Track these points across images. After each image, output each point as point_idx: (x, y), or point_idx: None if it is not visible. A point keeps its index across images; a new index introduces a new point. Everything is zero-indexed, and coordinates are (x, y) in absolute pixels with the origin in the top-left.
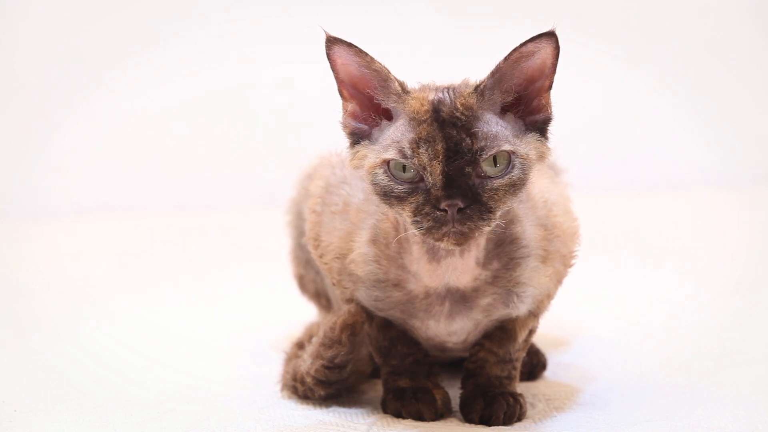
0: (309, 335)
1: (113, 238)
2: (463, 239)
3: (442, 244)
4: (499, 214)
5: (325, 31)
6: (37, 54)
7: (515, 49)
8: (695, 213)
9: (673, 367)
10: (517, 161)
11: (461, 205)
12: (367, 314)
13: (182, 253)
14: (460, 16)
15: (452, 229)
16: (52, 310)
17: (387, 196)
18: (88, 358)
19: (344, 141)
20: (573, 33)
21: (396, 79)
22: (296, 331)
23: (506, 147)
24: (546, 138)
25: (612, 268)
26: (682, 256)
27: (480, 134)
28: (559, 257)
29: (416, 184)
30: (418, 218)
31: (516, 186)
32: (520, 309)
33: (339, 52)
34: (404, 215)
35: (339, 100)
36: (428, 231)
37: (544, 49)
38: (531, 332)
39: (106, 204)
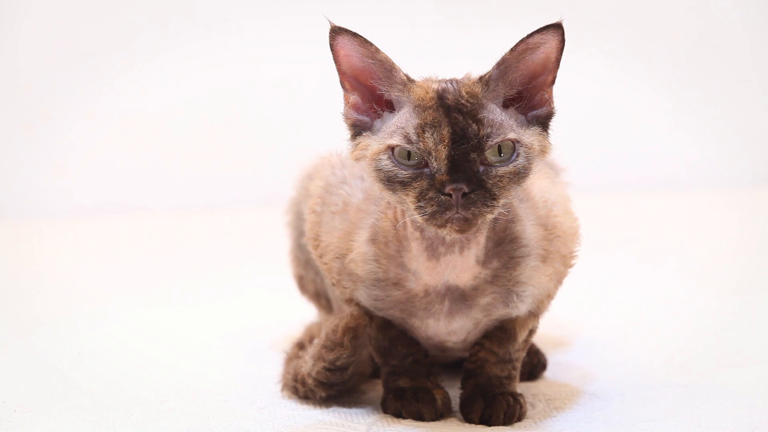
0: (309, 336)
1: (113, 238)
2: (466, 226)
3: (445, 231)
4: (502, 203)
5: (329, 21)
6: (37, 54)
7: (522, 41)
8: (695, 213)
9: (673, 367)
10: (521, 150)
11: (466, 189)
12: (368, 315)
13: (182, 253)
14: (460, 16)
15: (455, 215)
16: (52, 310)
17: (390, 181)
18: (88, 358)
19: (345, 134)
20: (573, 33)
21: (401, 69)
22: (296, 331)
23: (511, 135)
24: (547, 133)
25: (612, 268)
26: (682, 256)
27: (486, 121)
28: (559, 257)
29: (420, 169)
30: (422, 203)
31: (520, 175)
32: (520, 309)
33: (343, 42)
34: (407, 201)
35: (339, 100)
36: (432, 216)
37: (549, 42)
38: (531, 332)
39: (106, 204)
